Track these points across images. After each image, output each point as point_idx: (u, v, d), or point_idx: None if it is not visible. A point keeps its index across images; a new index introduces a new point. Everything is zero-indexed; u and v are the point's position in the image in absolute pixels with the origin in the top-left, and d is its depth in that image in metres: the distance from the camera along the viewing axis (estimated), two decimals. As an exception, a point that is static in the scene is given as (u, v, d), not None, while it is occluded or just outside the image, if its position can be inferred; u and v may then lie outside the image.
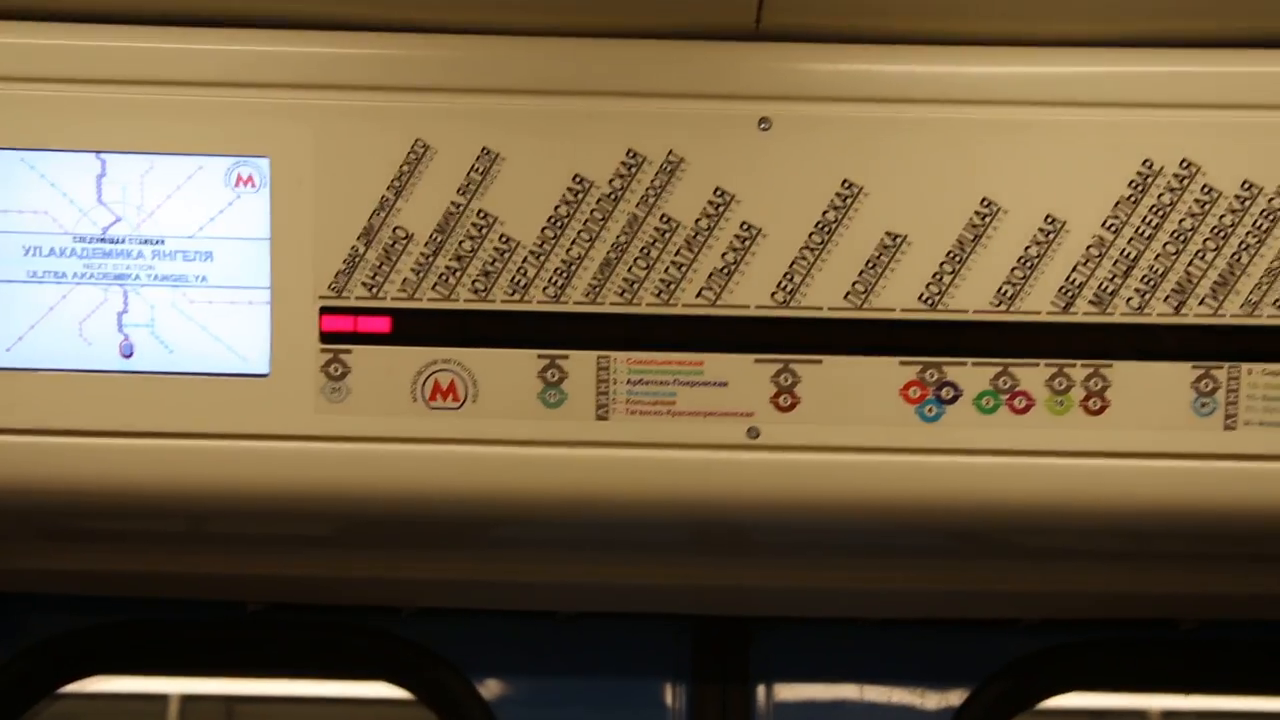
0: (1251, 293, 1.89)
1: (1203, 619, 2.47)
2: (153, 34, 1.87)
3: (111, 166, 1.87)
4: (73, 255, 1.89)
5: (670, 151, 1.88)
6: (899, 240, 1.89)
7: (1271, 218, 1.87)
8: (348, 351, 1.90)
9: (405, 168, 1.87)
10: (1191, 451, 1.92)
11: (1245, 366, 1.90)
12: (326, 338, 1.90)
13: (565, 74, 1.88)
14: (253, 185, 1.87)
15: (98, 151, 1.87)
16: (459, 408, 1.92)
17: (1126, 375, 1.91)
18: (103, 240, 1.89)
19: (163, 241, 1.89)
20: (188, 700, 5.47)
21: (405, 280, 1.89)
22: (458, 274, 1.89)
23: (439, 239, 1.89)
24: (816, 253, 1.89)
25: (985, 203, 1.88)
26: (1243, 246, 1.88)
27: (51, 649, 2.45)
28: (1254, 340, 1.90)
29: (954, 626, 2.48)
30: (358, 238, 1.88)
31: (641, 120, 1.88)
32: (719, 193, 1.88)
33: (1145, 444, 1.92)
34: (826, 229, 1.89)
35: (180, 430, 1.91)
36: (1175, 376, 1.91)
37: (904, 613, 2.43)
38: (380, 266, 1.89)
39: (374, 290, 1.89)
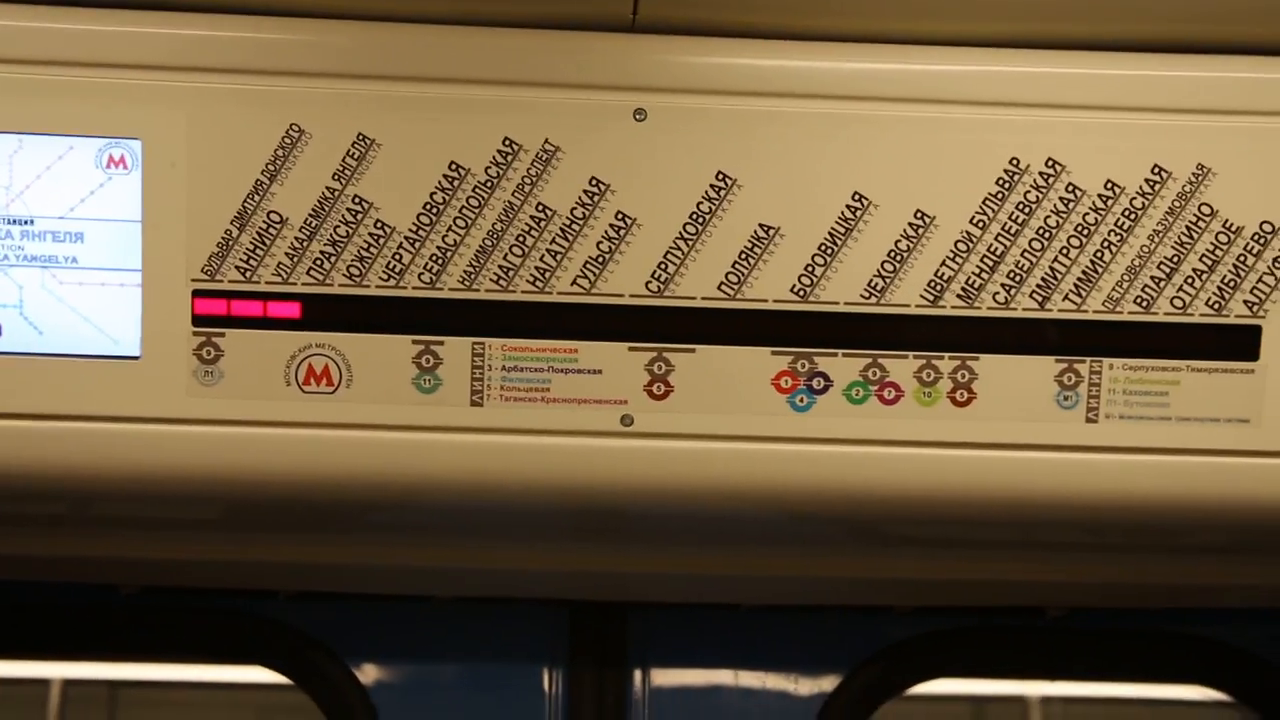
0: (1114, 289, 1.93)
1: (1070, 607, 2.52)
2: (24, 13, 1.85)
3: (-20, 145, 1.85)
4: None
5: (546, 140, 1.89)
6: (772, 232, 1.91)
7: (1133, 217, 1.91)
8: (220, 335, 1.90)
9: (280, 152, 1.87)
10: (1054, 443, 1.96)
11: (1107, 361, 1.95)
12: (199, 321, 1.89)
13: (442, 62, 1.88)
14: (124, 167, 1.86)
15: (-35, 130, 1.85)
16: (333, 392, 1.92)
17: (992, 368, 1.94)
18: (-30, 220, 1.87)
19: (32, 222, 1.87)
20: (69, 685, 5.42)
21: (279, 265, 1.89)
22: (332, 259, 1.89)
23: (314, 224, 1.88)
24: (691, 243, 1.91)
25: (857, 197, 1.91)
26: (1105, 244, 1.92)
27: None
28: (1116, 336, 1.94)
29: (828, 613, 2.52)
30: (231, 221, 1.88)
31: (518, 109, 1.88)
32: (594, 182, 1.90)
33: (1010, 435, 1.96)
34: (701, 220, 1.91)
35: (50, 412, 1.89)
36: (1039, 370, 1.95)
37: (779, 599, 2.46)
38: (254, 251, 1.88)
39: (248, 274, 1.89)
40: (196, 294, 1.89)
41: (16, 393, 1.88)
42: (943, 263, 1.92)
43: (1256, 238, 1.92)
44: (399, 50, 1.88)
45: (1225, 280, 1.93)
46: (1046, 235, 1.92)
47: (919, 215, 1.91)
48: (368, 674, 2.49)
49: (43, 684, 5.37)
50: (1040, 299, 1.93)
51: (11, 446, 1.89)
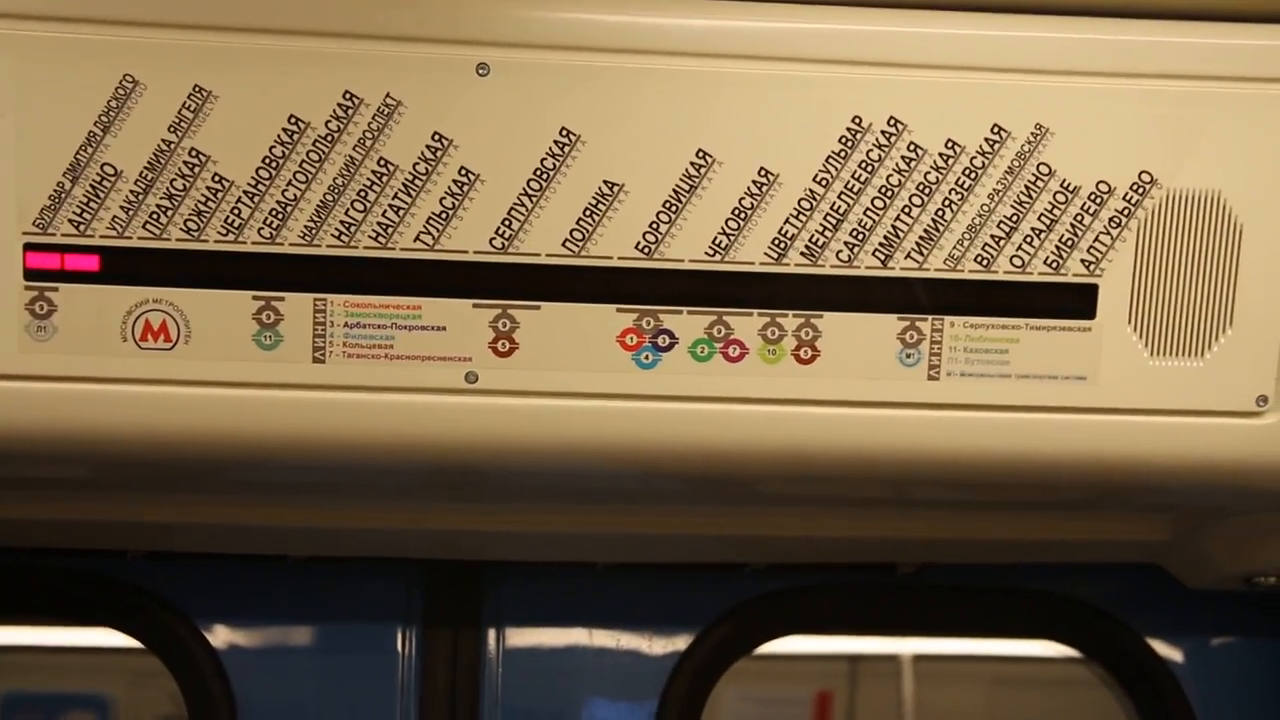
0: (954, 248, 1.95)
1: (921, 563, 2.56)
2: None
3: None
4: None
5: (388, 94, 1.87)
6: (616, 189, 1.91)
7: (973, 176, 1.93)
8: (54, 289, 1.86)
9: (113, 103, 1.83)
10: (897, 400, 1.98)
11: (948, 319, 1.97)
12: (31, 275, 1.86)
13: (282, 13, 1.85)
14: (-49, 116, 1.82)
15: None
16: (171, 348, 1.89)
17: (836, 326, 1.96)
18: None
19: None
20: (-74, 650, 5.32)
21: (115, 218, 1.86)
22: (169, 213, 1.86)
23: (149, 177, 1.85)
24: (535, 199, 1.90)
25: (701, 154, 1.91)
26: (946, 203, 1.94)
27: None
28: (956, 294, 1.96)
29: (682, 571, 2.54)
30: (64, 174, 1.84)
31: (359, 62, 1.86)
32: (437, 137, 1.88)
33: (853, 393, 1.97)
34: (545, 176, 1.90)
35: None
36: (882, 328, 1.96)
37: (632, 557, 2.47)
38: (88, 204, 1.85)
39: (81, 228, 1.85)
40: (28, 247, 1.85)
41: None
42: (786, 220, 1.93)
43: (1093, 197, 1.94)
44: (237, 0, 1.85)
45: (1063, 239, 1.95)
46: (888, 194, 1.93)
47: (763, 173, 1.92)
48: (219, 636, 2.47)
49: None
50: (883, 257, 1.94)
51: None
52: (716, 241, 1.93)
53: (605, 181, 1.91)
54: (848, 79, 1.91)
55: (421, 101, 1.88)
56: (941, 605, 2.64)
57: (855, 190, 1.93)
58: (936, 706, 5.72)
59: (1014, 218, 1.95)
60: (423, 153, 1.89)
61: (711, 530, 2.35)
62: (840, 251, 1.94)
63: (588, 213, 1.91)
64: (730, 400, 1.97)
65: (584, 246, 1.92)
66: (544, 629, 2.53)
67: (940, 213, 1.94)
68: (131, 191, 1.85)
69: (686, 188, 1.91)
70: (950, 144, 1.93)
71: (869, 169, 1.93)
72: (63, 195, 1.84)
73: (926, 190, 1.93)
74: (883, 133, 1.92)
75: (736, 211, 1.92)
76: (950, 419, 1.98)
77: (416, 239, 1.90)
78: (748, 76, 1.91)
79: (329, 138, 1.87)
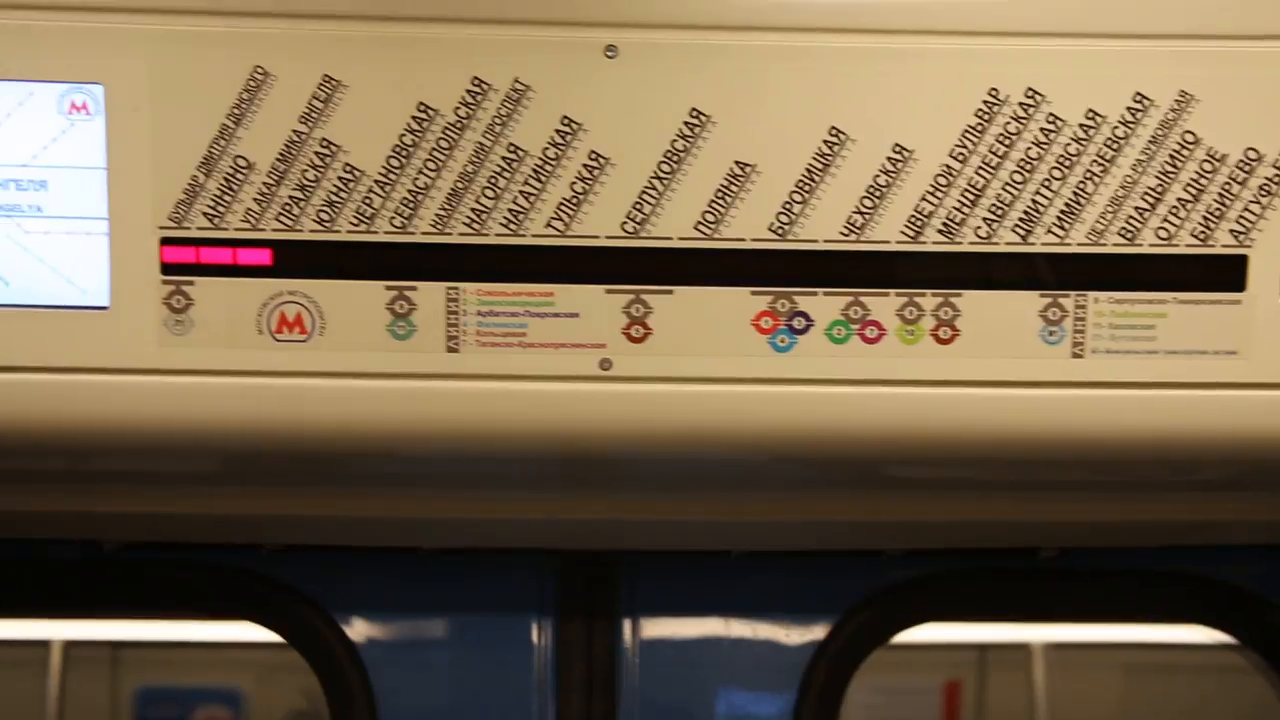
0: (1097, 221, 1.89)
1: (1063, 547, 2.50)
2: None
3: (-62, 93, 1.82)
4: None
5: (516, 80, 1.85)
6: (748, 170, 1.88)
7: (1115, 146, 1.88)
8: (190, 283, 1.87)
9: (245, 95, 1.84)
10: (1040, 380, 1.93)
11: (1092, 295, 1.91)
12: (168, 269, 1.87)
13: (409, 1, 1.85)
14: (87, 112, 1.83)
15: (-77, 78, 1.82)
16: (306, 340, 1.89)
17: (975, 304, 1.91)
18: (-69, 169, 1.84)
19: None
20: (71, 646, 5.44)
21: (248, 211, 1.86)
22: (301, 204, 1.86)
23: (281, 168, 1.85)
24: (666, 182, 1.88)
25: (834, 132, 1.87)
26: (1088, 175, 1.88)
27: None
28: (1100, 268, 1.91)
29: (818, 558, 2.50)
30: (198, 167, 1.85)
31: (487, 47, 1.85)
32: (566, 121, 1.86)
33: (994, 372, 1.93)
34: (675, 158, 1.87)
35: (18, 364, 1.87)
36: (1023, 305, 1.91)
37: (767, 544, 2.44)
38: (222, 197, 1.85)
39: (216, 221, 1.86)
40: (164, 241, 1.86)
41: None
42: (923, 197, 1.89)
43: (1241, 165, 1.88)
44: None
45: (1211, 210, 1.89)
46: (1028, 167, 1.88)
47: (898, 149, 1.88)
48: (355, 628, 2.47)
49: (43, 645, 5.40)
50: (1023, 233, 1.90)
51: None
52: (851, 221, 1.89)
53: (737, 162, 1.88)
54: (983, 50, 1.87)
55: (550, 86, 1.86)
56: (1085, 590, 2.58)
57: (993, 165, 1.88)
58: (1070, 695, 5.63)
59: (1159, 188, 1.89)
60: (552, 137, 1.87)
61: (848, 516, 2.31)
62: (979, 228, 1.90)
63: (720, 194, 1.88)
64: (868, 383, 1.93)
65: (717, 229, 1.89)
66: (679, 619, 2.50)
67: (1082, 185, 1.89)
68: (264, 183, 1.86)
69: (820, 167, 1.88)
70: (1091, 114, 1.87)
71: (1007, 142, 1.88)
72: (197, 189, 1.85)
73: (1067, 163, 1.88)
74: (1020, 105, 1.87)
75: (871, 190, 1.89)
76: (1096, 398, 1.93)
77: (548, 225, 1.88)
78: (881, 51, 1.87)
79: (458, 125, 1.86)
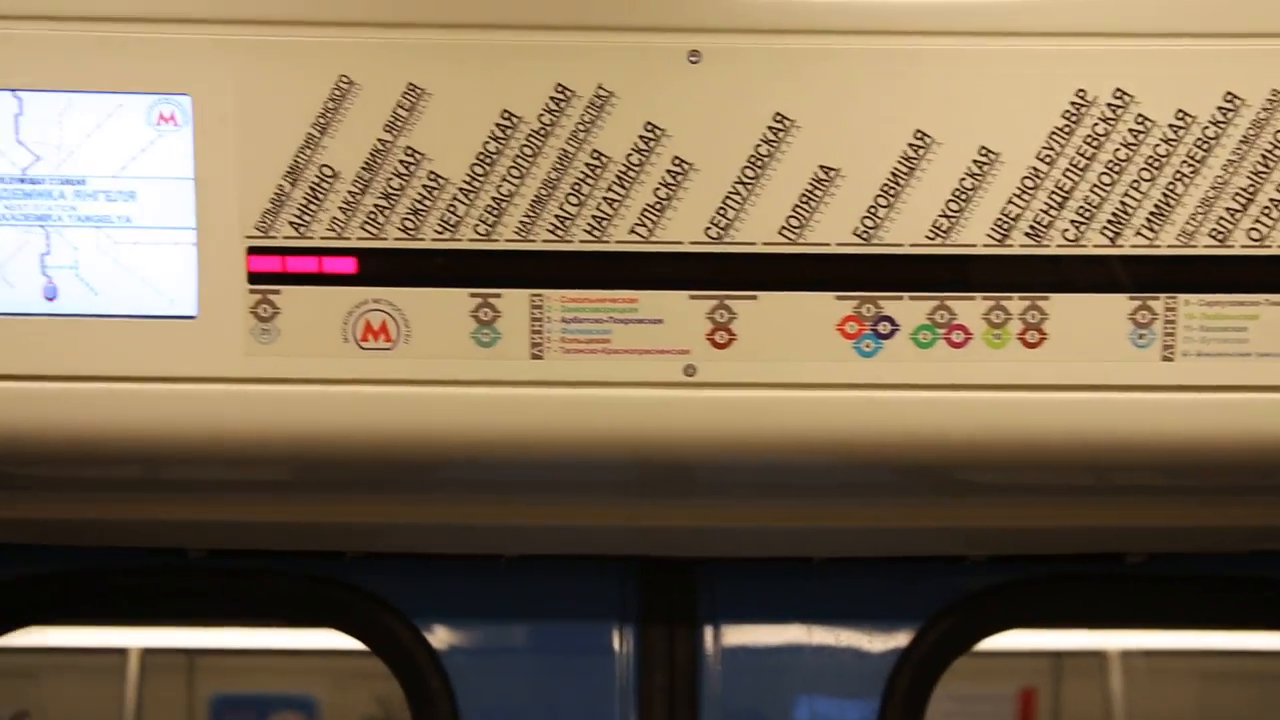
0: (1187, 223, 1.87)
1: (1149, 552, 2.47)
2: None
3: (29, 105, 1.84)
4: None
5: (600, 86, 1.85)
6: (833, 174, 1.87)
7: (1205, 147, 1.85)
8: (276, 292, 1.88)
9: (330, 105, 1.84)
10: (1129, 383, 1.91)
11: (1182, 297, 1.89)
12: (254, 278, 1.88)
13: (492, 8, 1.85)
14: (174, 123, 1.84)
15: (14, 90, 1.84)
16: (391, 348, 1.89)
17: (1064, 307, 1.90)
18: (22, 181, 1.85)
19: (84, 181, 1.86)
20: (148, 653, 5.49)
21: (333, 219, 1.87)
22: (386, 212, 1.87)
23: (366, 177, 1.86)
24: (750, 187, 1.87)
25: (919, 135, 1.86)
26: (1177, 176, 1.86)
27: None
28: (1190, 271, 1.88)
29: (901, 564, 2.48)
30: (283, 176, 1.86)
31: (570, 54, 1.85)
32: (649, 127, 1.86)
33: (1083, 376, 1.91)
34: (759, 163, 1.87)
35: (107, 374, 1.88)
36: (1112, 308, 1.89)
37: (850, 550, 2.42)
38: (307, 206, 1.86)
39: (301, 230, 1.87)
40: (251, 251, 1.87)
41: (74, 355, 1.88)
42: (1009, 200, 1.87)
43: None
44: None
45: None
46: (1116, 169, 1.86)
47: (984, 152, 1.86)
48: (437, 635, 2.47)
49: (121, 653, 5.45)
50: (1111, 235, 1.88)
51: (69, 409, 1.88)
52: (937, 224, 1.88)
53: (821, 166, 1.87)
54: (1070, 51, 1.85)
55: (633, 91, 1.86)
56: (1172, 596, 2.55)
57: (1081, 166, 1.86)
58: (1147, 702, 5.58)
59: (1250, 189, 1.87)
60: (635, 143, 1.87)
61: (931, 522, 2.29)
62: (1066, 230, 1.88)
63: (804, 199, 1.87)
64: (954, 387, 1.92)
65: (801, 234, 1.88)
66: (761, 625, 2.49)
67: (1171, 186, 1.87)
68: (349, 192, 1.86)
69: (905, 170, 1.87)
70: (1180, 114, 1.85)
71: (1094, 144, 1.86)
72: (283, 198, 1.86)
73: (1156, 164, 1.86)
74: (1108, 105, 1.85)
75: (957, 193, 1.87)
76: (1187, 401, 1.90)
77: (631, 231, 1.88)
78: (966, 53, 1.86)
79: (542, 131, 1.86)
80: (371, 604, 2.46)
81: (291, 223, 1.86)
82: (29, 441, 1.90)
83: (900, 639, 2.48)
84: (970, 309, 1.90)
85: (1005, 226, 1.88)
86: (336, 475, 2.08)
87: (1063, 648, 5.69)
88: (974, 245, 1.88)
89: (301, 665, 5.70)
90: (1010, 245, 1.88)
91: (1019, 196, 1.87)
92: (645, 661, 2.47)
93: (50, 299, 1.87)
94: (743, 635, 2.48)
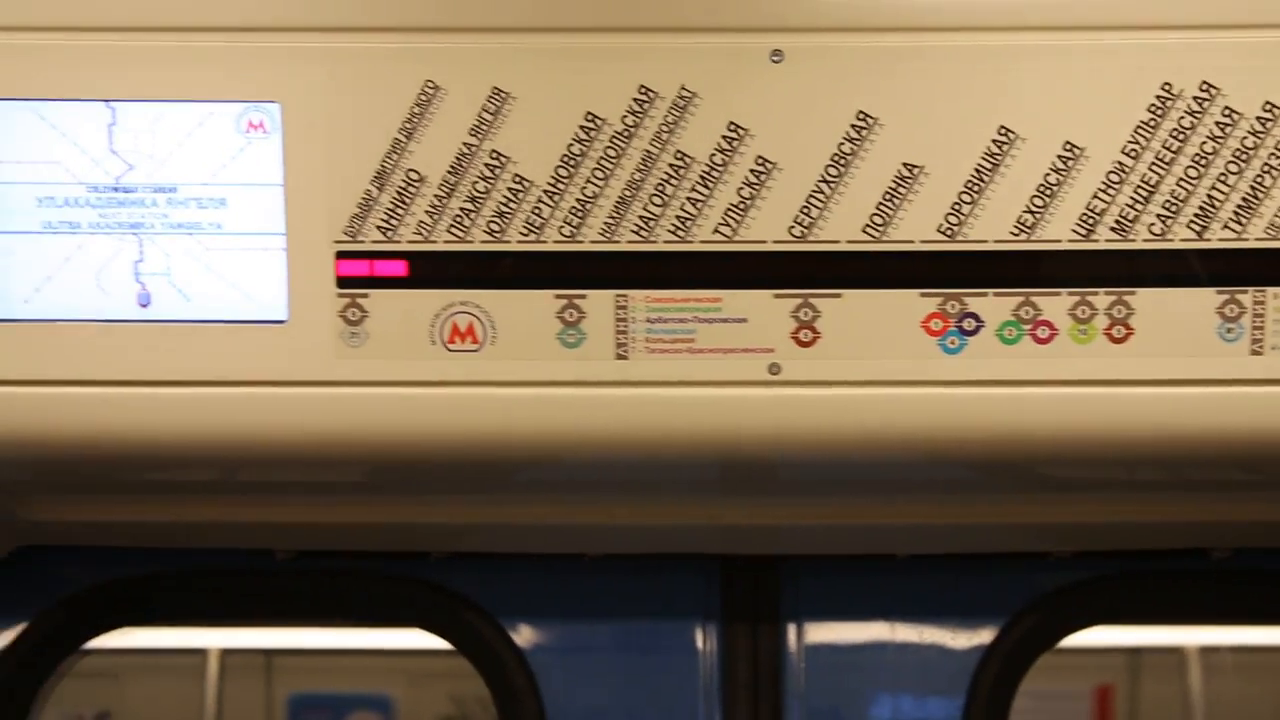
0: (1276, 215, 1.86)
1: (1235, 548, 2.45)
2: None
3: (122, 115, 1.87)
4: (87, 205, 1.89)
5: (682, 87, 1.86)
6: (916, 171, 1.87)
7: None
8: (365, 296, 1.90)
9: (416, 109, 1.86)
10: (1217, 378, 1.90)
11: (1271, 290, 1.88)
12: (343, 282, 1.90)
13: (575, 11, 1.86)
14: (264, 131, 1.87)
15: (108, 100, 1.86)
16: (478, 349, 1.91)
17: (1150, 302, 1.89)
18: (116, 189, 1.88)
19: (176, 189, 1.88)
20: (227, 654, 5.54)
21: (420, 223, 1.89)
22: (472, 215, 1.88)
23: (453, 180, 1.88)
24: (833, 186, 1.87)
25: (1003, 131, 1.86)
26: (1265, 169, 1.85)
27: (81, 602, 2.46)
28: (1279, 264, 1.87)
29: (984, 560, 2.47)
30: (371, 181, 1.88)
31: (653, 56, 1.86)
32: (733, 127, 1.87)
33: (1170, 371, 1.90)
34: (842, 161, 1.87)
35: (199, 378, 1.91)
36: (1200, 302, 1.88)
37: (933, 547, 2.42)
38: (394, 210, 1.88)
39: (389, 234, 1.89)
40: (340, 255, 1.89)
41: (167, 360, 1.90)
42: (1095, 195, 1.87)
43: None
44: (532, 1, 1.86)
45: None
46: (1203, 162, 1.85)
47: (1068, 147, 1.86)
48: (522, 634, 2.49)
49: (199, 654, 5.51)
50: (1198, 228, 1.87)
51: (164, 414, 1.91)
52: (1021, 220, 1.88)
53: (905, 164, 1.87)
54: (1156, 45, 1.84)
55: (716, 92, 1.87)
56: (1259, 591, 2.53)
57: (1167, 161, 1.86)
58: (1226, 699, 5.52)
59: (1340, 181, 1.85)
60: (719, 143, 1.87)
61: (1014, 518, 2.29)
62: (1153, 225, 1.87)
63: (887, 197, 1.88)
64: (1040, 383, 1.91)
65: (884, 231, 1.88)
66: (844, 623, 2.49)
67: (1259, 179, 1.85)
68: (436, 196, 1.88)
69: (989, 166, 1.87)
70: (1268, 107, 1.84)
71: (1181, 138, 1.85)
72: (371, 202, 1.88)
73: (1243, 157, 1.85)
74: (1194, 99, 1.84)
75: (1041, 188, 1.87)
76: (1276, 395, 1.89)
77: (715, 230, 1.89)
78: (1050, 48, 1.85)
79: (625, 133, 1.87)
80: (457, 604, 2.47)
81: (379, 227, 1.88)
82: (125, 446, 1.93)
83: (984, 636, 2.47)
84: (1056, 305, 1.89)
85: (1090, 221, 1.87)
86: (423, 476, 2.10)
87: (1139, 644, 5.64)
88: (1059, 241, 1.88)
89: (378, 665, 5.73)
90: (1095, 240, 1.88)
91: (1104, 191, 1.86)
92: (729, 659, 2.47)
93: (144, 305, 1.90)
94: (826, 632, 2.49)
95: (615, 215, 1.88)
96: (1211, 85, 1.84)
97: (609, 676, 2.49)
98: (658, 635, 2.49)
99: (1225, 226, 1.86)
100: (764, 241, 1.89)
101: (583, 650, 2.50)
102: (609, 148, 1.87)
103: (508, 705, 2.45)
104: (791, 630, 2.48)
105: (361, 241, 1.89)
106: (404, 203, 1.88)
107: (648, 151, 1.88)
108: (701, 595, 2.49)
